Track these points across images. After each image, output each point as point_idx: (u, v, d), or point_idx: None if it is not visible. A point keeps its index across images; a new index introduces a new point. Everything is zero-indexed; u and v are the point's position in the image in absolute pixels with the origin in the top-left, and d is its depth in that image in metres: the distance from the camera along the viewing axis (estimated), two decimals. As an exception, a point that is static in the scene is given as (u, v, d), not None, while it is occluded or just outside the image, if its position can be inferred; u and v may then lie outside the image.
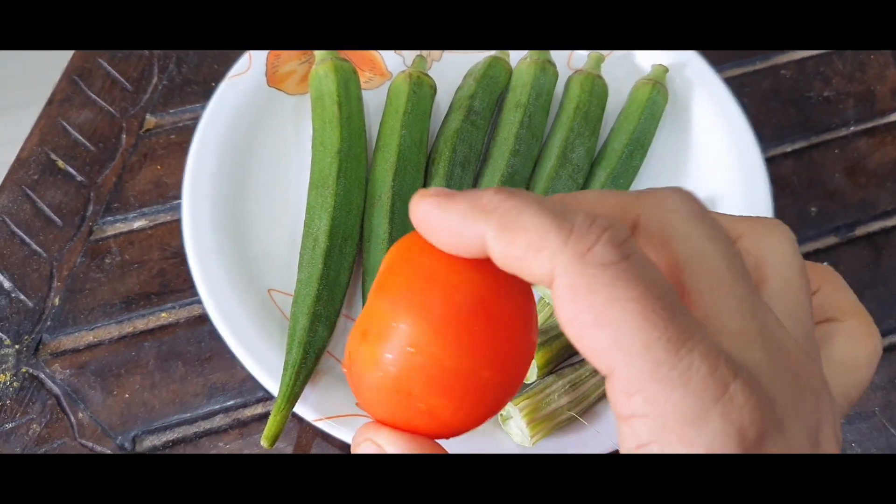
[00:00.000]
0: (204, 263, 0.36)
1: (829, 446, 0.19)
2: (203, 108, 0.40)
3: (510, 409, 0.32)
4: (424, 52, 0.45)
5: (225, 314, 0.35)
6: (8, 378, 0.36)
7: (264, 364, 0.33)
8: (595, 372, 0.34)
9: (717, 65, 0.47)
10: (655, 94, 0.42)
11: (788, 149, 0.45)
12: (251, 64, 0.42)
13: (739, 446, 0.17)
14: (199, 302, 0.38)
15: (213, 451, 0.35)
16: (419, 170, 0.39)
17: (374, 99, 0.43)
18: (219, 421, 0.36)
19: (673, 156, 0.42)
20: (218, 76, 0.45)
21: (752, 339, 0.19)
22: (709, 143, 0.42)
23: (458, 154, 0.39)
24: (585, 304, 0.18)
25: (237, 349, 0.34)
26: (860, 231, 0.42)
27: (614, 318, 0.18)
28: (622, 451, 0.19)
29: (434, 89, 0.42)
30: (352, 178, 0.38)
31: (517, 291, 0.22)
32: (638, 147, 0.41)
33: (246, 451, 0.35)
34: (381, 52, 0.45)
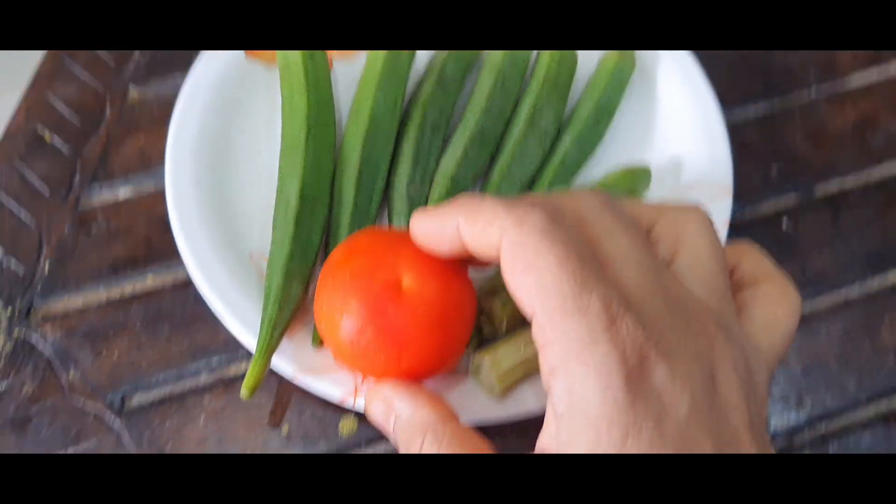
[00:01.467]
0: (187, 229, 0.37)
1: (729, 384, 0.24)
2: (184, 79, 0.42)
3: (479, 359, 0.34)
4: None
5: (208, 277, 0.36)
6: (1, 341, 0.38)
7: (245, 322, 0.35)
8: None
9: (685, 33, 0.48)
10: (622, 62, 0.43)
11: (752, 115, 0.46)
12: None
13: (623, 366, 0.22)
14: (184, 267, 0.40)
15: (198, 408, 0.37)
16: (390, 135, 0.41)
17: (351, 70, 0.44)
18: (203, 379, 0.38)
19: (639, 122, 0.44)
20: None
21: (652, 293, 0.24)
22: (674, 109, 0.43)
23: (429, 119, 0.41)
24: (519, 255, 0.24)
25: (219, 309, 0.35)
26: (819, 191, 0.44)
27: (538, 265, 0.23)
28: (542, 379, 0.24)
29: (412, 55, 0.43)
30: (321, 143, 0.39)
31: (445, 283, 0.31)
32: (604, 113, 0.42)
33: (229, 407, 0.37)
34: None
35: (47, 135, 0.43)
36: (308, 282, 0.37)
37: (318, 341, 0.35)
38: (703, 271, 0.26)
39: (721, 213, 0.39)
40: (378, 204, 0.39)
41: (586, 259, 0.23)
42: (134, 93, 0.45)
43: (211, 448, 0.36)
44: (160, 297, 0.39)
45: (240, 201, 0.40)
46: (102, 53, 0.46)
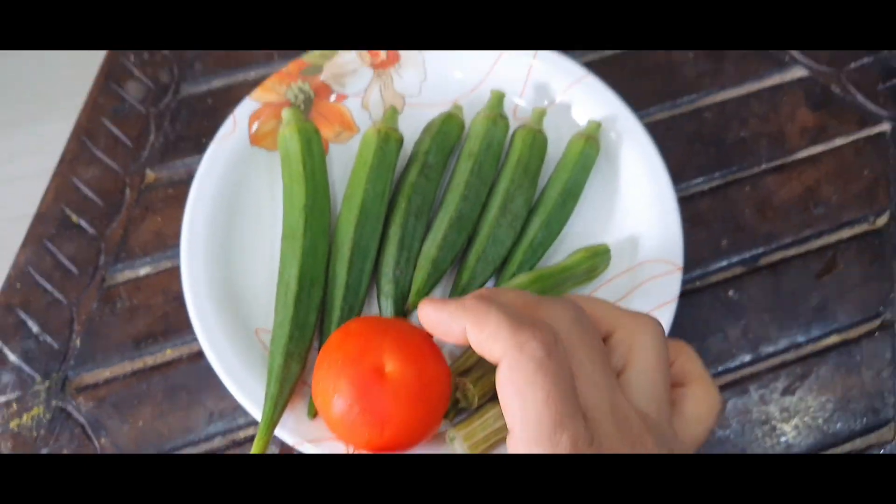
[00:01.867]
0: (199, 308, 0.43)
1: None
2: (196, 161, 0.47)
3: (453, 433, 0.40)
4: (398, 105, 0.51)
5: (217, 352, 0.42)
6: (41, 411, 0.44)
7: (251, 395, 0.41)
8: None
9: (647, 108, 0.53)
10: (588, 148, 0.48)
11: (706, 187, 0.51)
12: (235, 126, 0.48)
13: None
14: (198, 340, 0.45)
15: (214, 468, 0.43)
16: (379, 220, 0.46)
17: (345, 152, 0.49)
18: (218, 442, 0.43)
19: (603, 202, 0.48)
20: (207, 131, 0.51)
21: (605, 414, 0.29)
22: (634, 189, 0.48)
23: (413, 205, 0.46)
24: (514, 379, 0.28)
25: (228, 383, 0.41)
26: (764, 261, 0.49)
27: (527, 396, 0.28)
28: None
29: (400, 142, 0.48)
30: (317, 229, 0.45)
31: (422, 366, 0.37)
32: (570, 196, 0.47)
33: (241, 467, 0.43)
34: (349, 107, 0.51)
35: (74, 217, 0.49)
36: (305, 359, 0.42)
37: (313, 413, 0.41)
38: (648, 384, 0.31)
39: (671, 287, 0.44)
40: (367, 285, 0.44)
41: (567, 397, 0.28)
42: (151, 175, 0.50)
43: None
44: (178, 368, 0.45)
45: (247, 279, 0.45)
46: (121, 136, 0.51)
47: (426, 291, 0.44)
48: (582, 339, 0.31)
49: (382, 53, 0.51)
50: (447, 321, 0.31)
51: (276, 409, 0.40)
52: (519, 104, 0.51)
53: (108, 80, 0.53)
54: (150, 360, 0.45)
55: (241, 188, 0.47)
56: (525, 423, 0.28)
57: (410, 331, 0.40)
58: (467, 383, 0.40)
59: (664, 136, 0.52)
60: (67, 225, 0.49)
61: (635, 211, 0.48)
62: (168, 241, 0.48)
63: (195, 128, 0.52)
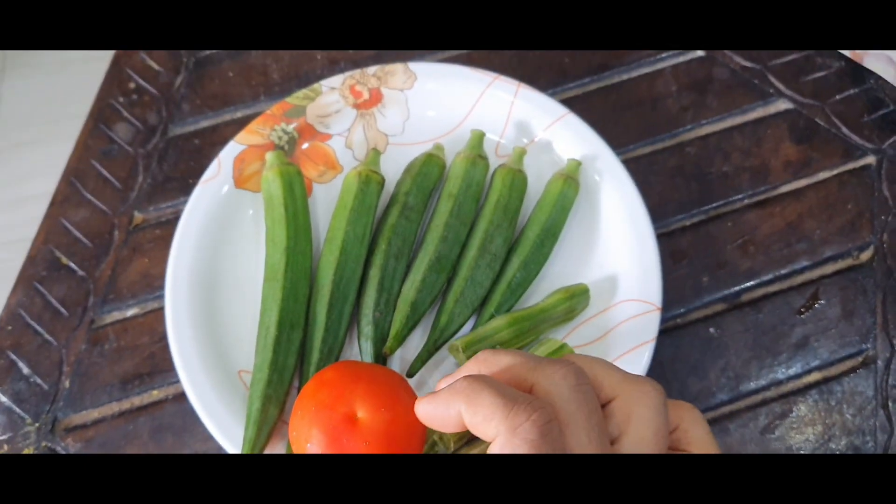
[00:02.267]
0: (182, 349, 0.44)
1: None
2: (182, 202, 0.48)
3: None
4: (381, 144, 0.52)
5: (199, 394, 0.43)
6: (31, 452, 0.45)
7: (232, 438, 0.42)
8: None
9: (628, 143, 0.53)
10: (566, 188, 0.48)
11: (688, 222, 0.51)
12: (220, 169, 0.49)
13: None
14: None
15: (197, 509, 0.43)
16: (359, 262, 0.46)
17: (329, 191, 0.50)
18: (201, 483, 0.44)
19: (582, 241, 0.49)
20: (194, 172, 0.52)
21: None
22: (613, 228, 0.48)
23: (393, 247, 0.47)
24: None
25: (209, 425, 0.42)
26: (745, 297, 0.49)
27: None
28: None
29: (381, 184, 0.49)
30: (298, 270, 0.45)
31: (394, 414, 0.37)
32: (549, 236, 0.48)
33: (224, 508, 0.43)
34: (332, 147, 0.52)
35: (63, 258, 0.50)
36: (284, 402, 0.43)
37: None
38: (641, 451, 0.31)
39: (650, 327, 0.45)
40: (346, 327, 0.45)
41: None
42: (138, 217, 0.51)
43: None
44: (163, 409, 0.46)
45: (231, 321, 0.46)
46: (110, 177, 0.52)
47: (405, 334, 0.45)
48: (580, 409, 0.31)
49: (365, 93, 0.52)
50: (443, 410, 0.31)
51: (254, 453, 0.40)
52: (500, 142, 0.52)
53: (97, 122, 0.54)
54: (136, 401, 0.46)
55: (226, 230, 0.48)
56: None
57: (385, 376, 0.40)
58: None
59: (646, 172, 0.52)
60: (57, 266, 0.50)
61: (614, 250, 0.48)
62: (155, 283, 0.49)
63: (182, 168, 0.53)
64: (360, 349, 0.45)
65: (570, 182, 0.48)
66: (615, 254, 0.48)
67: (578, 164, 0.49)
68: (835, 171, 0.53)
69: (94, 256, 0.50)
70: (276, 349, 0.43)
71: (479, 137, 0.50)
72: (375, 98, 0.52)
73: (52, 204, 0.51)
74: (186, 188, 0.52)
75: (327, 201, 0.50)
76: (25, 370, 0.47)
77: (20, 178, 1.13)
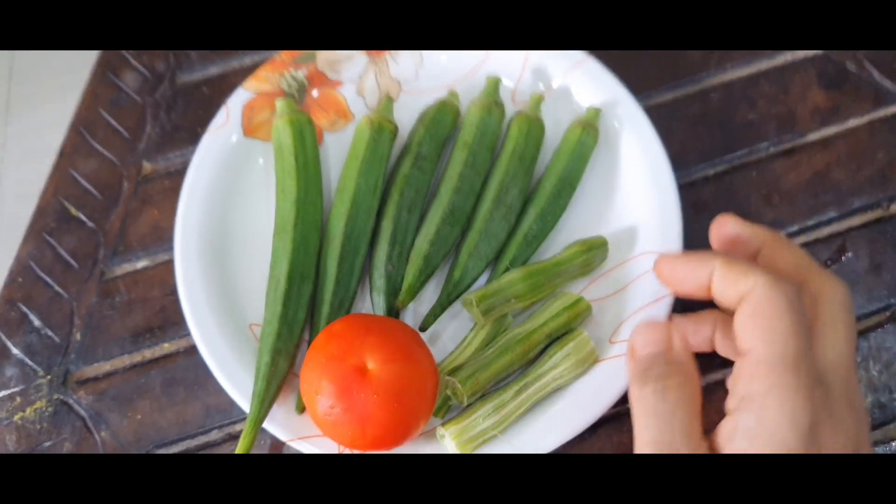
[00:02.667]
0: (193, 303, 0.43)
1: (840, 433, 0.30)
2: (192, 152, 0.47)
3: (442, 431, 0.40)
4: (394, 92, 0.50)
5: (210, 348, 0.42)
6: (43, 405, 0.45)
7: (243, 391, 0.41)
8: (515, 395, 0.41)
9: (650, 90, 0.51)
10: (585, 136, 0.47)
11: (710, 172, 0.50)
12: (228, 118, 0.48)
13: (807, 420, 0.29)
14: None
15: (211, 461, 0.43)
16: (371, 213, 0.45)
17: (340, 141, 0.49)
18: (214, 435, 0.44)
19: (601, 192, 0.47)
20: (203, 120, 0.51)
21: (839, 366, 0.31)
22: (633, 178, 0.47)
23: (406, 198, 0.45)
24: (764, 309, 0.30)
25: (220, 378, 0.41)
26: (769, 250, 0.48)
27: (776, 324, 0.30)
28: (730, 401, 0.31)
29: (394, 133, 0.47)
30: (308, 222, 0.44)
31: (405, 365, 0.37)
32: (566, 186, 0.46)
33: (237, 461, 0.43)
34: (344, 94, 0.50)
35: (73, 210, 0.49)
36: (294, 355, 0.42)
37: (301, 408, 0.41)
38: (839, 345, 0.32)
39: (669, 280, 0.43)
40: (358, 280, 0.44)
41: (808, 337, 0.30)
42: (148, 167, 0.50)
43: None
44: (175, 362, 0.46)
45: (242, 274, 0.45)
46: (118, 127, 0.51)
47: (417, 288, 0.44)
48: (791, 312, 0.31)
49: None
50: (692, 268, 0.34)
51: (263, 407, 0.40)
52: (517, 89, 0.50)
53: (105, 71, 0.53)
54: (148, 354, 0.46)
55: (235, 181, 0.47)
56: (771, 347, 0.30)
57: (396, 328, 0.40)
58: (456, 382, 0.40)
59: (667, 119, 0.51)
60: (67, 218, 0.49)
61: (634, 201, 0.46)
62: (165, 235, 0.48)
63: (191, 117, 0.52)
64: (371, 303, 0.44)
65: (588, 130, 0.47)
66: (635, 205, 0.46)
67: (598, 112, 0.47)
68: (865, 119, 0.51)
69: (104, 208, 0.49)
70: (286, 302, 0.42)
71: (494, 84, 0.48)
72: None
73: (62, 155, 0.51)
74: (195, 138, 0.50)
75: (339, 151, 0.48)
76: (37, 322, 0.46)
77: (31, 132, 1.13)
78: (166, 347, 0.46)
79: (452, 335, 0.44)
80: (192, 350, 0.46)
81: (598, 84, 0.48)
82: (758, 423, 0.29)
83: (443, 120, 0.48)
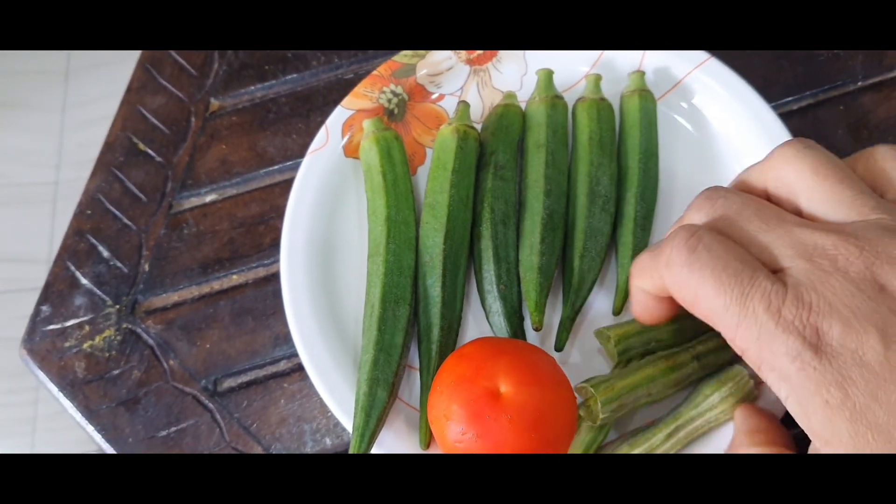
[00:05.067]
0: (301, 324, 0.40)
1: None
2: (258, 90, 0.46)
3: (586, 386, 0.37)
4: (462, 99, 0.47)
5: (318, 369, 0.40)
6: (112, 333, 0.44)
7: (346, 410, 0.39)
8: (667, 438, 0.37)
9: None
10: (644, 101, 0.44)
11: (795, 106, 0.48)
12: (329, 137, 0.45)
13: (802, 343, 0.26)
14: (264, 265, 0.45)
15: (279, 391, 0.42)
16: (466, 227, 0.42)
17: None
18: (283, 365, 0.43)
19: (688, 151, 0.45)
20: (270, 59, 0.51)
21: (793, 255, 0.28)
22: (722, 124, 0.45)
23: (497, 213, 0.42)
24: (683, 289, 0.29)
25: (330, 404, 0.39)
26: (858, 185, 0.46)
27: (699, 293, 0.28)
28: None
29: (478, 140, 0.44)
30: (401, 241, 0.41)
31: (541, 389, 0.35)
32: (651, 157, 0.44)
33: (305, 389, 0.42)
34: (446, 108, 0.47)
35: (141, 145, 0.49)
36: (394, 384, 0.39)
37: (425, 443, 0.38)
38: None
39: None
40: (462, 300, 0.42)
41: (729, 266, 0.27)
42: (215, 104, 0.50)
43: (290, 425, 0.42)
44: (244, 293, 0.45)
45: (349, 298, 0.42)
46: (185, 65, 0.51)
47: (544, 304, 0.40)
48: (746, 206, 0.30)
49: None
50: (645, 295, 0.33)
51: (363, 442, 0.37)
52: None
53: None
54: (216, 285, 0.45)
55: (337, 200, 0.44)
56: (712, 316, 0.28)
57: (530, 351, 0.37)
58: (589, 387, 0.37)
59: (748, 54, 0.49)
60: (135, 153, 0.49)
61: (735, 146, 0.44)
62: (232, 169, 0.48)
63: (258, 56, 0.51)
64: (491, 327, 0.41)
65: (644, 94, 0.45)
66: (735, 150, 0.44)
67: (642, 73, 0.45)
68: (959, 53, 0.49)
69: (172, 143, 0.49)
70: (382, 328, 0.39)
71: (548, 76, 0.45)
72: (490, 52, 0.48)
73: (129, 90, 0.50)
74: (262, 75, 0.50)
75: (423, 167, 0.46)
76: (105, 254, 0.46)
77: (91, 100, 1.15)
78: (235, 279, 0.45)
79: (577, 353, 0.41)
80: (262, 281, 0.45)
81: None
82: (786, 389, 0.27)
83: (510, 125, 0.45)
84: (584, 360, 0.41)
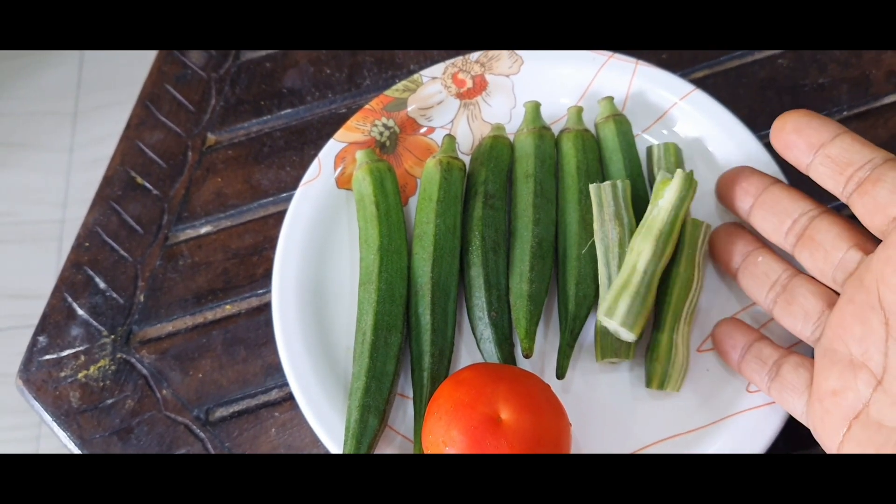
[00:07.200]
0: (292, 355, 0.41)
1: None
2: (254, 124, 0.47)
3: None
4: (453, 131, 0.48)
5: (310, 401, 0.40)
6: (107, 363, 0.45)
7: (336, 440, 0.39)
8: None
9: (715, 59, 0.51)
10: (619, 126, 0.45)
11: (781, 136, 0.48)
12: (321, 169, 0.46)
13: None
14: (257, 295, 0.46)
15: (270, 420, 0.43)
16: (454, 255, 0.43)
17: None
18: (274, 395, 0.43)
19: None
20: (266, 94, 0.52)
21: None
22: (711, 141, 0.46)
23: (487, 241, 0.43)
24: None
25: (320, 433, 0.40)
26: (845, 214, 0.46)
27: None
28: None
29: (464, 170, 0.45)
30: (393, 270, 0.42)
31: (540, 415, 0.35)
32: (636, 179, 0.45)
33: (296, 419, 0.43)
34: (436, 140, 0.48)
35: (139, 178, 0.50)
36: (385, 411, 0.40)
37: None
38: None
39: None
40: (454, 327, 0.42)
41: None
42: (211, 138, 0.51)
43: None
44: (237, 323, 0.45)
45: (340, 327, 0.43)
46: (184, 101, 0.52)
47: (534, 331, 0.41)
48: None
49: (469, 81, 0.49)
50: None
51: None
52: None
53: (171, 50, 0.54)
54: (210, 315, 0.46)
55: (330, 231, 0.45)
56: None
57: (526, 377, 0.37)
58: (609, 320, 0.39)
59: (734, 85, 0.50)
60: (133, 186, 0.50)
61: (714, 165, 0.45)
62: (227, 201, 0.49)
63: (255, 91, 0.52)
64: (482, 353, 0.42)
65: (618, 119, 0.46)
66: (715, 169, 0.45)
67: (611, 98, 0.46)
68: (943, 82, 0.49)
69: (169, 176, 0.50)
70: (374, 355, 0.40)
71: (535, 109, 0.47)
72: (480, 86, 0.49)
73: (128, 127, 0.52)
74: (258, 111, 0.51)
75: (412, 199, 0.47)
76: (102, 285, 0.47)
77: (98, 139, 1.18)
78: (228, 309, 0.46)
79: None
80: (254, 311, 0.46)
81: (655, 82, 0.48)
82: None
83: (499, 156, 0.46)
84: (587, 387, 0.41)
